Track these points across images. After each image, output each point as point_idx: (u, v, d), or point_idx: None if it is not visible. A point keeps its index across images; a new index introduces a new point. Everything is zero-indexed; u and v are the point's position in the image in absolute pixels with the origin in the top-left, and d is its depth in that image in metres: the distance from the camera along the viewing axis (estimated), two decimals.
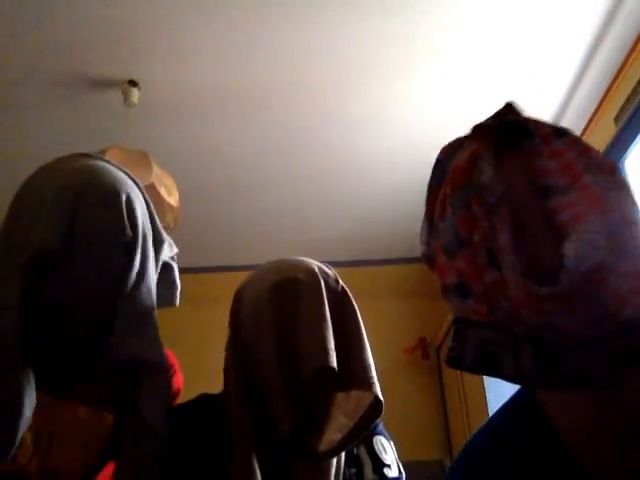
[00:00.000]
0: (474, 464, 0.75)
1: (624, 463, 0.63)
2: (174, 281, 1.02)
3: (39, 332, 0.82)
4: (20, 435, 0.75)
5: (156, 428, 0.83)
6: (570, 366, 0.57)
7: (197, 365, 2.99)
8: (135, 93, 2.44)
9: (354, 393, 0.96)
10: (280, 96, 2.59)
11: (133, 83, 2.44)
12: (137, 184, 0.96)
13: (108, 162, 0.96)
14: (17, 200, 0.91)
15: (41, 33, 2.21)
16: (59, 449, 0.79)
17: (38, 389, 0.80)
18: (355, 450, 1.02)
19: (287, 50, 2.34)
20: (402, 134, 2.86)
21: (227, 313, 1.03)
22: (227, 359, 0.99)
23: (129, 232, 0.86)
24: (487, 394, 2.82)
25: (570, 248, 0.57)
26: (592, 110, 2.61)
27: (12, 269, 0.81)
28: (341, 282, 1.02)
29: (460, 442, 3.45)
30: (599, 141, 2.63)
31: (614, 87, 2.43)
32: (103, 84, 2.46)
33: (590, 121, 2.63)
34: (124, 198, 0.88)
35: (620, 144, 2.53)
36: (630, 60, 2.31)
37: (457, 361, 0.64)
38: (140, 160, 2.18)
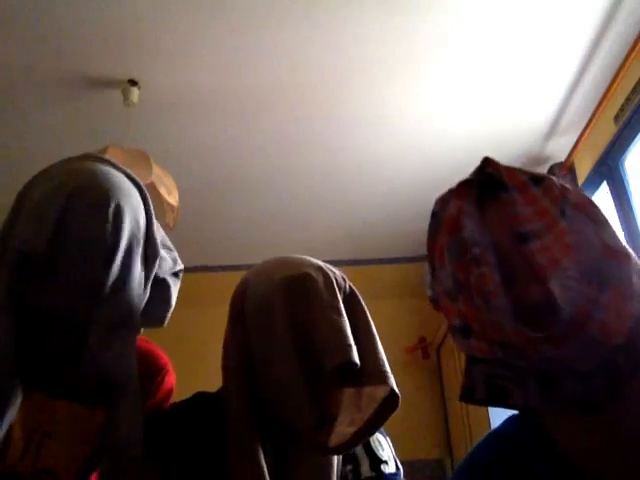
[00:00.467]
0: (478, 467, 0.77)
1: (622, 468, 0.66)
2: (167, 300, 1.00)
3: (24, 335, 0.81)
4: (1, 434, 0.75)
5: (126, 448, 0.81)
6: (573, 394, 0.62)
7: (196, 364, 2.99)
8: (135, 92, 2.44)
9: (366, 389, 0.95)
10: (280, 96, 2.59)
11: (133, 82, 2.44)
12: (141, 191, 0.94)
13: (114, 165, 0.95)
14: (19, 198, 0.91)
15: (41, 33, 2.20)
16: (52, 447, 0.79)
17: (30, 387, 0.80)
18: None
19: (287, 49, 2.34)
20: (402, 134, 2.86)
21: (227, 312, 1.02)
22: (227, 357, 0.98)
23: (109, 241, 0.84)
24: None
25: (557, 291, 0.62)
26: (592, 109, 2.61)
27: (2, 268, 0.81)
28: (348, 281, 1.02)
29: (460, 442, 3.45)
30: (599, 141, 2.64)
31: (614, 86, 2.43)
32: (103, 83, 2.46)
33: (590, 120, 2.63)
34: (113, 207, 0.86)
35: (620, 143, 2.53)
36: (630, 59, 2.31)
37: (469, 396, 0.69)
38: (140, 160, 2.18)
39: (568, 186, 0.71)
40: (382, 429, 1.07)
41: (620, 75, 2.38)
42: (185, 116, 2.68)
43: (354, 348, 0.88)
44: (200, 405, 0.98)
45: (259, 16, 2.18)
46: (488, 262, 0.66)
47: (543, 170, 3.06)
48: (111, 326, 0.84)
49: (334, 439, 0.95)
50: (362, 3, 2.13)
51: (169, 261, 0.99)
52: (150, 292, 0.95)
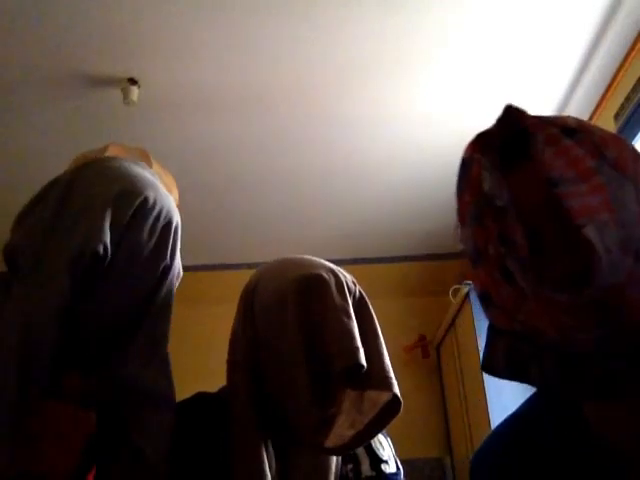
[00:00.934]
0: (499, 451, 0.74)
1: None
2: None
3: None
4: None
5: (155, 463, 0.80)
6: (594, 378, 0.56)
7: (197, 363, 2.99)
8: (135, 91, 2.44)
9: (369, 393, 0.96)
10: (280, 95, 2.59)
11: (133, 81, 2.44)
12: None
13: (157, 176, 0.97)
14: (68, 185, 0.87)
15: (40, 32, 2.20)
16: (44, 449, 0.78)
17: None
18: None
19: (287, 48, 2.34)
20: (404, 133, 2.86)
21: (227, 311, 1.02)
22: (234, 352, 0.98)
23: (169, 259, 0.87)
24: (487, 392, 2.82)
25: (596, 239, 0.53)
26: (592, 108, 2.61)
27: (58, 260, 0.78)
28: (358, 285, 1.02)
29: (460, 441, 3.45)
30: None
31: (614, 85, 2.43)
32: (103, 82, 2.45)
33: (590, 119, 2.63)
34: (174, 225, 0.89)
35: None
36: (630, 58, 2.31)
37: (490, 368, 0.65)
38: (140, 158, 2.18)
39: (609, 138, 0.62)
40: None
41: (620, 74, 2.38)
42: (185, 115, 2.67)
43: (362, 351, 0.89)
44: (201, 405, 0.98)
45: (259, 15, 2.17)
46: (511, 219, 0.58)
47: None
48: (153, 343, 0.85)
49: (332, 440, 0.95)
50: (362, 2, 2.13)
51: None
52: None
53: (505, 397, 2.63)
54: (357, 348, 0.89)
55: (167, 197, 0.92)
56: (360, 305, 0.99)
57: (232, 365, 0.97)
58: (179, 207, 2.38)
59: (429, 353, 3.93)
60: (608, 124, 2.54)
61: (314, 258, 1.03)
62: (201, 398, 1.00)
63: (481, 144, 0.65)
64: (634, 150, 0.62)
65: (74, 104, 2.57)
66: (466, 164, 0.66)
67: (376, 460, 1.01)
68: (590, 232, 0.54)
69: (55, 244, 0.80)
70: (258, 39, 2.29)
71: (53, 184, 0.90)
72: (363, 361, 0.88)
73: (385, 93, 2.59)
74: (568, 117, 0.65)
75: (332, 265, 1.02)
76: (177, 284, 0.94)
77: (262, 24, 2.22)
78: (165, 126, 2.73)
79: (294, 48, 2.34)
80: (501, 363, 0.63)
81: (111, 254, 0.80)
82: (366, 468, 1.00)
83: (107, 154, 1.98)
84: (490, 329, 0.66)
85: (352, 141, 2.92)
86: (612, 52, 2.38)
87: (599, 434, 0.64)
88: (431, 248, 3.77)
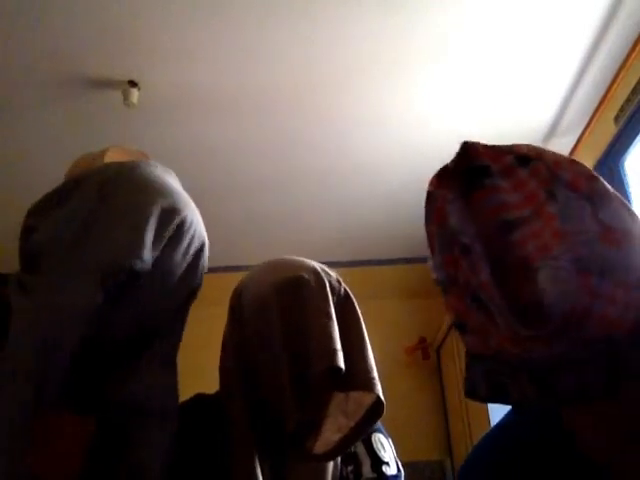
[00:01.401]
0: (486, 459, 0.75)
1: (626, 459, 0.64)
2: None
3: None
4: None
5: (147, 474, 0.78)
6: (568, 387, 0.58)
7: (196, 365, 2.99)
8: (135, 93, 2.44)
9: (353, 394, 0.95)
10: (278, 96, 2.59)
11: (133, 83, 2.44)
12: None
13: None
14: (118, 194, 0.81)
15: (41, 33, 2.20)
16: (42, 455, 0.78)
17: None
18: (353, 448, 1.01)
19: (287, 50, 2.34)
20: (402, 134, 2.86)
21: (226, 313, 1.02)
22: (226, 358, 0.98)
23: (198, 280, 0.87)
24: None
25: (547, 284, 0.57)
26: (592, 110, 2.61)
27: (90, 270, 0.72)
28: (343, 284, 1.01)
29: (460, 443, 3.45)
30: (599, 141, 2.63)
31: (614, 87, 2.43)
32: (103, 84, 2.45)
33: (590, 121, 2.63)
34: (206, 247, 0.88)
35: (620, 144, 2.53)
36: (630, 60, 2.31)
37: (472, 393, 0.66)
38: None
39: (563, 161, 0.64)
40: (383, 430, 1.06)
41: (620, 76, 2.38)
42: (184, 117, 2.67)
43: (340, 353, 0.88)
44: (200, 407, 0.98)
45: (258, 16, 2.17)
46: (477, 252, 0.61)
47: None
48: (164, 360, 0.83)
49: (320, 446, 0.94)
50: (361, 2, 2.13)
51: None
52: None
53: None
54: (335, 350, 0.87)
55: (198, 215, 0.90)
56: (345, 305, 0.98)
57: (224, 371, 0.97)
58: None
59: (429, 355, 3.93)
60: (608, 126, 2.54)
61: (299, 259, 1.03)
62: (200, 400, 1.00)
63: (444, 179, 0.68)
64: (588, 171, 0.63)
65: (74, 106, 2.57)
66: (431, 197, 0.69)
67: (377, 461, 1.00)
68: (541, 277, 0.57)
69: (91, 252, 0.74)
70: (257, 41, 2.29)
71: (80, 181, 0.84)
72: (341, 363, 0.87)
73: (384, 94, 2.59)
74: (522, 145, 0.67)
75: (316, 265, 1.01)
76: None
77: (261, 26, 2.22)
78: (165, 128, 2.73)
79: (292, 49, 2.34)
80: (482, 387, 0.65)
81: (148, 269, 0.75)
82: (367, 470, 0.99)
83: (107, 157, 1.98)
84: (467, 355, 0.68)
85: (351, 142, 2.91)
86: (612, 53, 2.38)
87: (579, 440, 0.67)
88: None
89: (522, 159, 0.63)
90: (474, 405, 3.09)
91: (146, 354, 0.80)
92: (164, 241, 0.78)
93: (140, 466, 0.78)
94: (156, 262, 0.77)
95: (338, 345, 0.89)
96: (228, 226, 3.62)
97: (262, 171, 3.12)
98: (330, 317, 0.91)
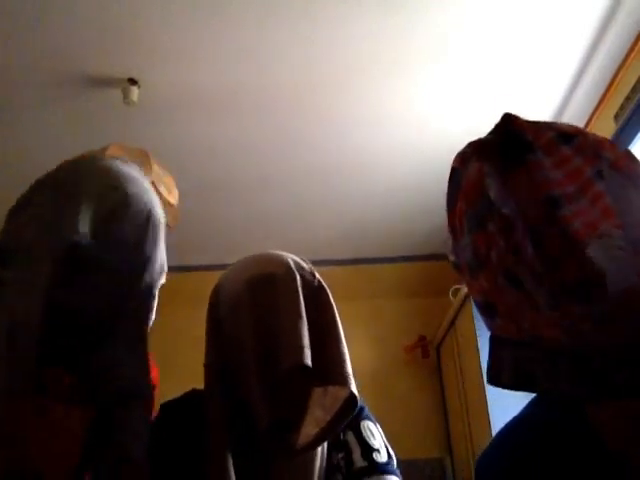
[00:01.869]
0: (504, 455, 0.72)
1: None
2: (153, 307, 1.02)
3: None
4: None
5: (134, 456, 0.81)
6: (610, 378, 0.55)
7: (195, 363, 2.99)
8: (135, 91, 2.44)
9: (331, 388, 0.95)
10: (280, 96, 2.59)
11: (133, 81, 2.44)
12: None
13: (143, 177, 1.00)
14: (65, 183, 0.91)
15: (40, 32, 2.20)
16: (40, 447, 0.79)
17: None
18: (342, 435, 1.01)
19: (287, 50, 2.34)
20: (402, 133, 2.86)
21: None
22: (207, 356, 0.99)
23: (148, 253, 0.89)
24: (487, 393, 2.82)
25: (602, 261, 0.54)
26: (592, 108, 2.61)
27: (43, 256, 0.82)
28: (317, 276, 1.01)
29: (460, 441, 3.45)
30: None
31: (614, 85, 2.43)
32: (103, 83, 2.45)
33: (590, 119, 2.63)
34: (154, 219, 0.91)
35: (620, 142, 2.52)
36: (630, 58, 2.31)
37: (496, 380, 0.64)
38: (140, 158, 2.18)
39: (604, 141, 0.62)
40: (372, 417, 1.07)
41: (620, 74, 2.38)
42: (184, 115, 2.67)
43: (307, 350, 0.88)
44: (193, 402, 0.99)
45: (258, 15, 2.18)
46: (519, 229, 0.58)
47: None
48: (132, 339, 0.86)
49: (302, 439, 0.94)
50: (361, 2, 2.13)
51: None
52: None
53: (505, 397, 2.63)
54: (302, 347, 0.87)
55: (149, 192, 0.95)
56: (319, 297, 0.98)
57: (206, 370, 0.98)
58: (178, 207, 2.39)
59: (429, 353, 3.93)
60: (608, 124, 2.54)
61: (273, 254, 1.03)
62: (194, 395, 1.01)
63: (480, 152, 0.64)
64: (629, 152, 0.62)
65: (74, 104, 2.57)
66: (457, 173, 0.66)
67: (368, 449, 1.00)
68: (592, 252, 0.55)
69: (41, 236, 0.84)
70: (256, 40, 2.29)
71: (39, 185, 0.95)
72: (307, 361, 0.87)
73: (384, 93, 2.59)
74: (562, 123, 0.65)
75: (290, 258, 1.01)
76: (161, 280, 0.95)
77: (260, 25, 2.22)
78: (165, 126, 2.73)
79: (292, 49, 2.34)
80: (507, 374, 0.62)
81: (92, 247, 0.83)
82: (358, 457, 0.99)
83: (108, 154, 1.99)
84: (492, 341, 0.65)
85: (351, 141, 2.92)
86: (612, 52, 2.38)
87: (601, 437, 0.64)
88: (431, 248, 3.76)
89: (564, 136, 0.62)
90: (474, 403, 3.10)
91: (112, 336, 0.84)
92: (105, 215, 0.86)
93: (123, 447, 0.80)
94: (101, 235, 0.84)
95: (305, 342, 0.88)
96: (228, 225, 3.62)
97: (262, 170, 3.12)
98: (298, 314, 0.91)
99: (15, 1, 2.07)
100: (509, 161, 0.62)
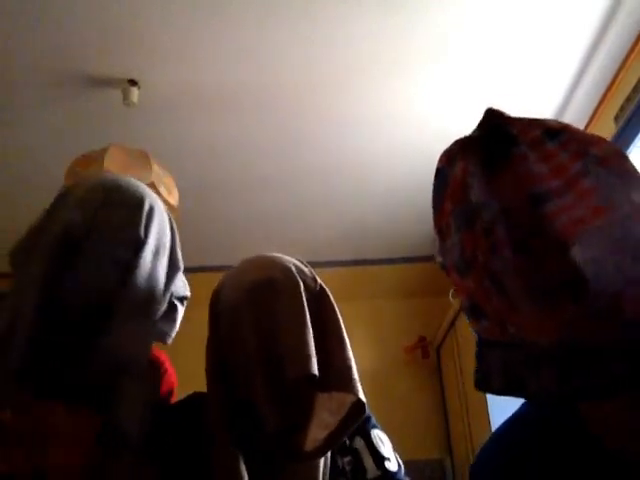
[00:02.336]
0: (499, 455, 0.72)
1: None
2: (174, 320, 1.05)
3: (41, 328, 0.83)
4: None
5: (130, 436, 0.82)
6: (595, 379, 0.54)
7: (195, 365, 2.99)
8: (135, 92, 2.44)
9: (336, 394, 0.95)
10: (280, 95, 2.59)
11: (133, 82, 2.44)
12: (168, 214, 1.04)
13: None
14: (61, 195, 0.98)
15: (41, 32, 2.20)
16: (45, 449, 0.79)
17: (20, 388, 0.80)
18: (347, 441, 1.01)
19: (286, 49, 2.34)
20: (402, 133, 2.85)
21: None
22: (208, 358, 0.98)
23: (141, 235, 0.92)
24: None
25: (584, 262, 0.53)
26: (592, 109, 2.61)
27: (40, 248, 0.88)
28: (319, 280, 1.00)
29: (460, 441, 3.45)
30: None
31: (614, 86, 2.43)
32: (103, 83, 2.45)
33: (590, 120, 2.63)
34: (147, 207, 0.95)
35: (620, 143, 2.52)
36: (630, 59, 2.31)
37: (485, 385, 0.63)
38: (140, 159, 2.18)
39: (592, 137, 0.61)
40: (379, 425, 1.06)
41: (620, 75, 2.38)
42: (184, 115, 2.67)
43: (313, 359, 0.87)
44: (195, 405, 0.98)
45: (258, 15, 2.17)
46: (499, 232, 0.57)
47: None
48: (132, 314, 0.89)
49: (309, 444, 0.94)
50: (361, 2, 2.13)
51: (181, 284, 1.05)
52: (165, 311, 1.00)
53: (505, 398, 2.62)
54: (308, 356, 0.87)
55: (142, 185, 1.01)
56: (321, 302, 0.97)
57: (207, 372, 0.97)
58: (179, 207, 2.39)
59: (429, 354, 3.93)
60: (608, 125, 2.54)
61: (274, 257, 1.02)
62: (197, 398, 1.00)
63: (465, 149, 0.63)
64: (618, 149, 0.61)
65: (74, 105, 2.57)
66: (443, 173, 0.65)
67: (380, 458, 1.00)
68: (578, 253, 0.53)
69: (41, 237, 0.91)
70: (257, 40, 2.29)
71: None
72: (314, 370, 0.86)
73: (384, 93, 2.59)
74: (551, 120, 0.63)
75: (291, 262, 1.00)
76: (164, 264, 0.97)
77: (261, 25, 2.22)
78: (165, 127, 2.73)
79: (292, 49, 2.34)
80: (497, 379, 0.61)
81: (85, 231, 0.90)
82: (371, 467, 0.99)
83: (108, 155, 1.98)
84: (480, 344, 0.64)
85: (351, 141, 2.91)
86: (612, 53, 2.38)
87: (595, 434, 0.63)
88: (431, 249, 3.75)
89: (551, 133, 0.60)
90: (474, 403, 3.10)
91: (111, 319, 0.87)
92: (96, 203, 0.92)
93: (120, 429, 0.82)
94: (93, 221, 0.91)
95: (311, 351, 0.88)
96: (229, 224, 3.62)
97: (263, 170, 3.12)
98: (303, 321, 0.91)
99: (15, 1, 2.07)
100: (494, 156, 0.60)
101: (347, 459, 0.99)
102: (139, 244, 0.92)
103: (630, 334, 0.53)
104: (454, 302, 3.29)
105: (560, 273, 0.54)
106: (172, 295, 1.00)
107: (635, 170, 0.59)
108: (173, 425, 0.93)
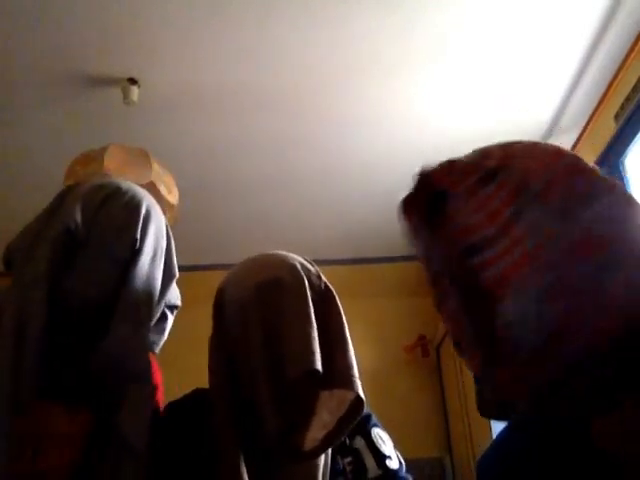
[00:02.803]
0: (503, 459, 0.73)
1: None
2: (163, 330, 1.05)
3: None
4: None
5: (137, 448, 0.82)
6: (558, 409, 0.56)
7: (195, 364, 2.99)
8: (135, 91, 2.44)
9: (337, 391, 0.95)
10: (280, 95, 2.59)
11: (133, 81, 2.44)
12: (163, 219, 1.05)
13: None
14: (62, 194, 0.99)
15: (41, 32, 2.20)
16: (43, 450, 0.79)
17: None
18: (348, 441, 1.01)
19: (287, 49, 2.34)
20: (402, 133, 2.86)
21: None
22: (211, 357, 0.99)
23: (138, 236, 0.93)
24: None
25: (512, 316, 0.53)
26: (592, 108, 2.61)
27: (42, 246, 0.89)
28: (324, 278, 1.01)
29: (460, 440, 3.45)
30: (599, 140, 2.63)
31: (614, 85, 2.43)
32: (103, 82, 2.45)
33: (590, 119, 2.63)
34: (144, 210, 0.97)
35: (620, 142, 2.52)
36: (630, 58, 2.31)
37: (486, 413, 0.65)
38: (140, 158, 2.18)
39: (536, 169, 0.57)
40: (379, 423, 1.07)
41: (620, 74, 2.38)
42: (184, 115, 2.67)
43: (317, 355, 0.88)
44: (197, 402, 0.99)
45: (258, 15, 2.18)
46: (443, 283, 0.59)
47: None
48: (130, 319, 0.89)
49: (308, 443, 0.94)
50: (360, 1, 2.13)
51: (175, 292, 1.06)
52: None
53: None
54: (312, 353, 0.87)
55: (139, 188, 1.02)
56: (325, 300, 0.98)
57: (210, 371, 0.98)
58: (178, 206, 2.39)
59: (429, 352, 3.93)
60: (608, 124, 2.54)
61: (280, 256, 1.02)
62: (198, 395, 1.00)
63: (407, 208, 0.66)
64: (572, 166, 0.58)
65: (74, 104, 2.57)
66: (402, 225, 0.69)
67: (381, 457, 1.00)
68: (503, 309, 0.53)
69: (42, 236, 0.92)
70: (257, 40, 2.29)
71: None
72: (318, 366, 0.87)
73: (384, 93, 2.59)
74: (490, 156, 0.61)
75: (297, 261, 1.01)
76: (161, 267, 0.98)
77: (260, 24, 2.22)
78: (165, 126, 2.73)
79: (292, 48, 2.34)
80: (492, 407, 0.62)
81: (85, 232, 0.91)
82: (372, 466, 0.99)
83: (107, 153, 1.99)
84: (474, 375, 0.66)
85: (350, 141, 2.92)
86: (612, 52, 2.38)
87: (599, 445, 0.63)
88: None
89: (487, 177, 0.59)
90: (474, 401, 3.09)
91: (111, 320, 0.88)
92: (96, 204, 0.94)
93: (123, 435, 0.82)
94: (93, 221, 0.92)
95: (315, 347, 0.88)
96: (229, 224, 3.62)
97: (263, 170, 3.12)
98: (308, 318, 0.91)
99: (15, 1, 2.07)
100: (431, 214, 0.61)
101: (348, 459, 1.00)
102: (137, 245, 0.93)
103: (580, 370, 0.53)
104: None
105: (490, 330, 0.54)
106: (165, 303, 1.01)
107: (591, 185, 0.56)
108: (174, 423, 0.93)
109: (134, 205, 0.96)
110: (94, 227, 0.92)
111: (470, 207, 0.57)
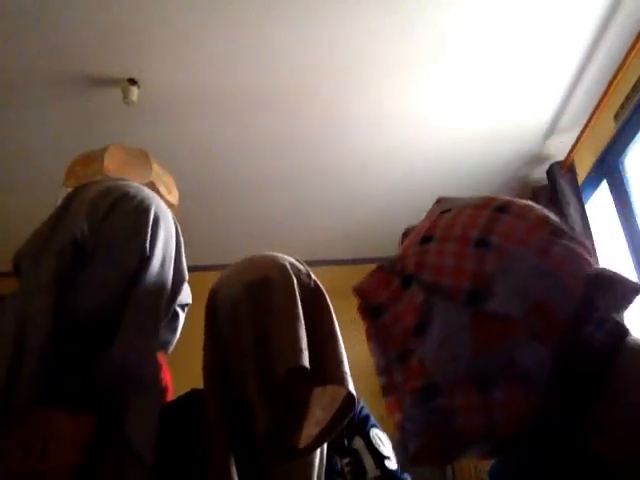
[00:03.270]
0: (507, 468, 0.74)
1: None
2: (175, 329, 1.06)
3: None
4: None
5: (143, 454, 0.81)
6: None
7: (193, 364, 2.99)
8: (134, 91, 2.44)
9: (330, 387, 0.96)
10: (279, 95, 2.59)
11: (132, 81, 2.44)
12: (174, 220, 1.04)
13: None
14: (68, 198, 0.97)
15: (40, 32, 2.20)
16: (47, 453, 0.79)
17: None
18: (346, 441, 1.01)
19: (286, 49, 2.34)
20: (401, 134, 2.85)
21: None
22: (205, 357, 0.99)
23: (147, 243, 0.92)
24: None
25: (407, 429, 0.62)
26: (592, 108, 2.61)
27: (48, 255, 0.87)
28: (313, 277, 1.02)
29: None
30: (599, 139, 2.64)
31: (614, 85, 2.43)
32: (102, 82, 2.45)
33: (590, 119, 2.63)
34: (152, 215, 0.95)
35: (620, 142, 2.53)
36: (630, 58, 2.31)
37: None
38: (140, 158, 2.18)
39: (448, 265, 0.64)
40: (378, 425, 1.07)
41: (620, 73, 2.38)
42: (184, 115, 2.67)
43: (305, 352, 0.88)
44: (191, 403, 0.99)
45: (257, 15, 2.18)
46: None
47: (543, 169, 3.06)
48: (137, 325, 0.88)
49: (303, 440, 0.95)
50: (360, 1, 2.13)
51: (185, 293, 1.05)
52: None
53: None
54: (299, 350, 0.88)
55: (147, 191, 1.00)
56: (315, 298, 0.99)
57: (204, 371, 0.98)
58: (178, 207, 2.39)
59: None
60: (608, 124, 2.54)
61: (270, 256, 1.04)
62: (194, 395, 1.01)
63: (362, 316, 0.72)
64: (477, 243, 0.65)
65: (74, 104, 2.57)
66: None
67: (380, 458, 1.01)
68: (405, 418, 0.62)
69: (49, 243, 0.90)
70: (256, 39, 2.29)
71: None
72: (305, 362, 0.87)
73: (383, 93, 2.59)
74: (412, 255, 0.70)
75: (286, 260, 1.02)
76: (171, 275, 0.97)
77: (260, 24, 2.22)
78: (164, 126, 2.73)
79: (292, 48, 2.34)
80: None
81: (92, 241, 0.89)
82: (371, 466, 1.00)
83: (107, 154, 1.99)
84: None
85: (350, 141, 2.91)
86: (612, 52, 2.38)
87: (595, 451, 0.64)
88: None
89: (406, 280, 0.66)
90: None
91: (118, 326, 0.87)
92: (102, 213, 0.92)
93: (128, 439, 0.81)
94: (100, 230, 0.91)
95: (302, 344, 0.89)
96: (228, 225, 3.62)
97: (261, 170, 3.12)
98: (296, 316, 0.92)
99: (15, 1, 2.07)
100: (373, 325, 0.70)
101: (347, 460, 1.00)
102: (146, 252, 0.91)
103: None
104: None
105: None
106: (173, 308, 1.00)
107: (512, 259, 0.60)
108: (170, 423, 0.93)
109: (143, 210, 0.95)
110: (101, 236, 0.90)
111: (402, 309, 0.65)
